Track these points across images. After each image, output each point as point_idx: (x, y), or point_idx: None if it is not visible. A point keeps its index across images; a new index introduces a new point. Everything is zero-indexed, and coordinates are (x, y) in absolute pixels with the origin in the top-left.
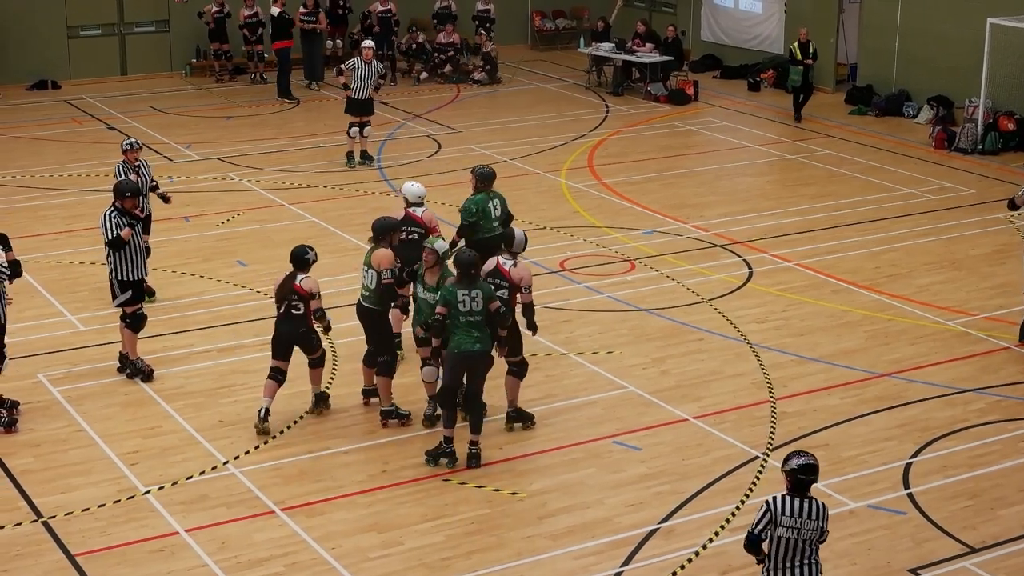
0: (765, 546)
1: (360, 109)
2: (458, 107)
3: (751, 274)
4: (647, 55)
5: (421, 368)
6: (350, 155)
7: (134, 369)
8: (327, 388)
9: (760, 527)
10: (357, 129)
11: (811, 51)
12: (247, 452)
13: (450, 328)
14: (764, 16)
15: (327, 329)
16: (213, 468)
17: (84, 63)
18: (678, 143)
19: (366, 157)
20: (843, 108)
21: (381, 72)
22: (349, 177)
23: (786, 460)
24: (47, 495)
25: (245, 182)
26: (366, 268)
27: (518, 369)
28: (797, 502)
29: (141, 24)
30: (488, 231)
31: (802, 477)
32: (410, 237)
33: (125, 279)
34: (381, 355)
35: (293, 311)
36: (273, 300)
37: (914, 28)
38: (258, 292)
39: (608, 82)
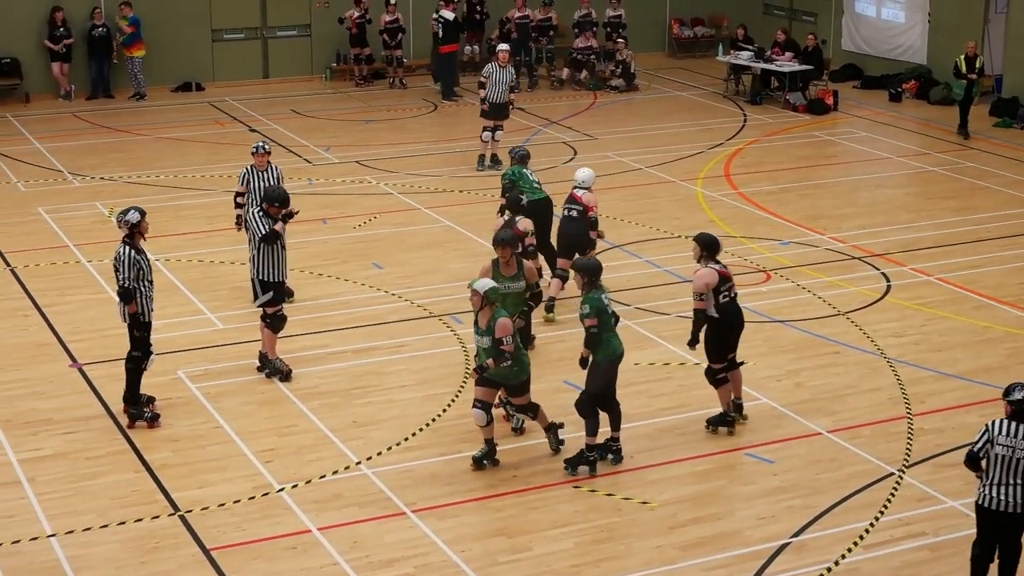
0: (984, 464)
1: (495, 113)
2: (594, 114)
3: (889, 287)
4: (786, 64)
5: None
6: (481, 158)
7: (272, 369)
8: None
9: (979, 447)
10: (490, 133)
11: (977, 66)
12: (379, 453)
13: (602, 337)
14: (907, 26)
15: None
16: (346, 468)
17: (227, 66)
18: (816, 153)
19: (496, 161)
20: (987, 120)
21: (513, 78)
22: (484, 182)
23: (1008, 391)
24: (184, 490)
25: (382, 185)
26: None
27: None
28: (1014, 425)
29: (283, 28)
30: (532, 193)
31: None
32: (569, 214)
33: (267, 279)
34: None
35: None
36: (406, 301)
37: None
38: (393, 295)
39: (746, 91)
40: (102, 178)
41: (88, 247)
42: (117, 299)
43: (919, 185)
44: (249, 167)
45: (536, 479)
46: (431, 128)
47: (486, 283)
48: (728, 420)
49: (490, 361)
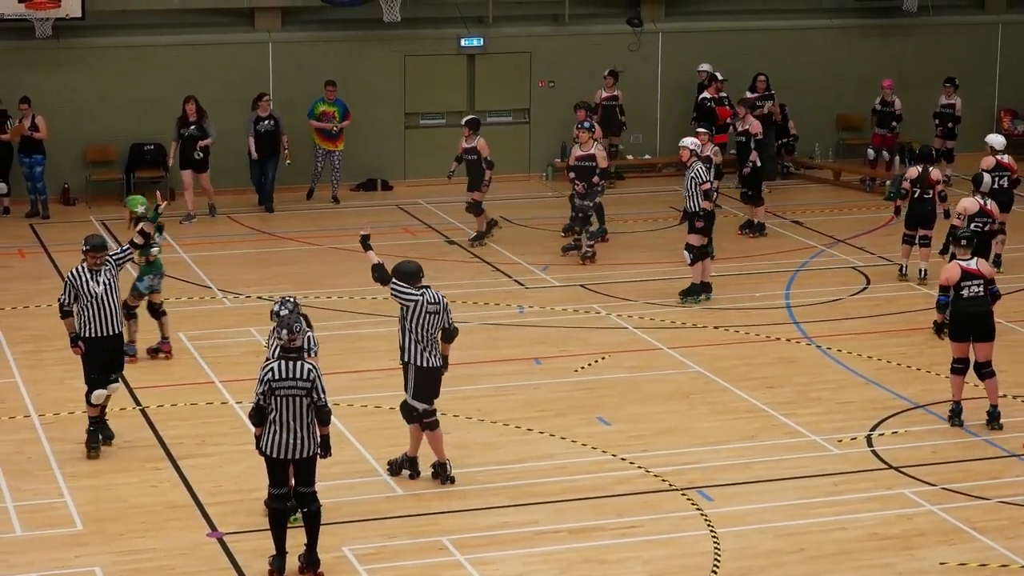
0: None
1: None
2: (895, 231)
3: None
4: None
5: None
6: None
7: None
8: None
9: None
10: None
11: None
12: None
13: None
14: None
15: None
16: None
17: (422, 160)
18: None
19: None
20: None
21: None
22: (747, 317)
23: None
24: None
25: (614, 317)
26: None
27: None
28: None
29: (496, 113)
30: None
31: None
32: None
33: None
34: None
35: None
36: (639, 469)
37: None
38: (623, 460)
39: None
40: (259, 297)
41: (237, 384)
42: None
43: None
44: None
45: None
46: (678, 244)
47: None
48: None
49: None
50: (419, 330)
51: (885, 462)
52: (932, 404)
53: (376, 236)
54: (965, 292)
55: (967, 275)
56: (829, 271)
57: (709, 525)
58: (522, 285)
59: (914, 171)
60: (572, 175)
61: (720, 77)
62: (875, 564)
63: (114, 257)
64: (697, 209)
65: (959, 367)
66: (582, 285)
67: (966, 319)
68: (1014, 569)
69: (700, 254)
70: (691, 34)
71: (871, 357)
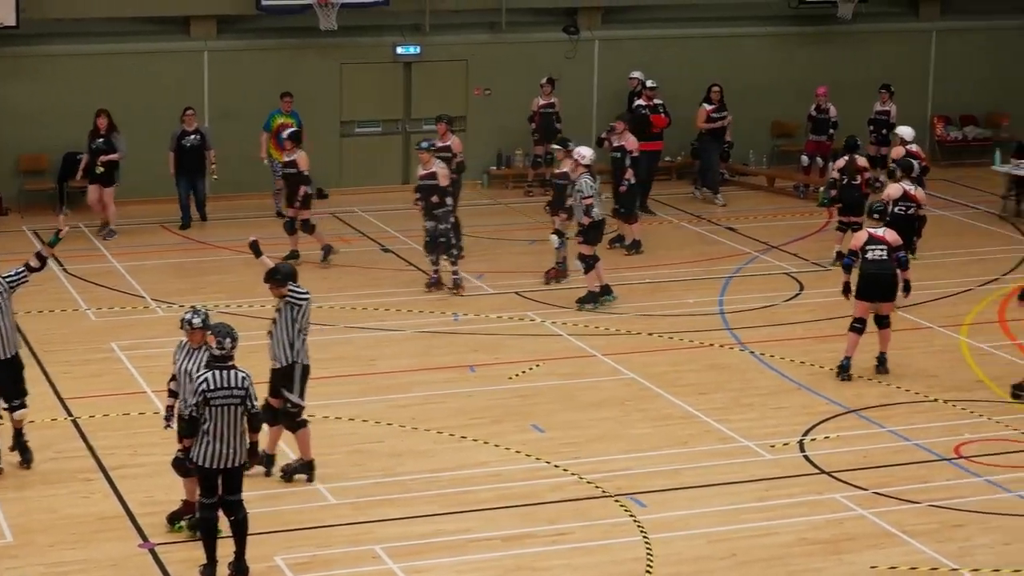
0: None
1: None
2: (828, 237)
3: None
4: None
5: None
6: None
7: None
8: None
9: None
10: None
11: None
12: None
13: None
14: None
15: None
16: None
17: (358, 168)
18: None
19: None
20: None
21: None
22: (681, 323)
23: None
24: None
25: (548, 324)
26: None
27: None
28: None
29: (432, 121)
30: None
31: None
32: None
33: None
34: None
35: None
36: (573, 476)
37: None
38: (556, 467)
39: None
40: (193, 307)
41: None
42: None
43: None
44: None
45: None
46: (618, 251)
47: None
48: None
49: None
50: (305, 328)
51: (817, 467)
52: (864, 409)
53: (307, 243)
54: (869, 255)
55: (872, 240)
56: (762, 277)
57: (641, 531)
58: (457, 294)
59: (841, 161)
60: (416, 196)
61: (650, 84)
62: (805, 569)
63: (7, 280)
64: (583, 222)
65: (858, 326)
66: (517, 292)
67: (871, 280)
68: (944, 572)
69: (592, 262)
70: (627, 42)
71: (804, 362)
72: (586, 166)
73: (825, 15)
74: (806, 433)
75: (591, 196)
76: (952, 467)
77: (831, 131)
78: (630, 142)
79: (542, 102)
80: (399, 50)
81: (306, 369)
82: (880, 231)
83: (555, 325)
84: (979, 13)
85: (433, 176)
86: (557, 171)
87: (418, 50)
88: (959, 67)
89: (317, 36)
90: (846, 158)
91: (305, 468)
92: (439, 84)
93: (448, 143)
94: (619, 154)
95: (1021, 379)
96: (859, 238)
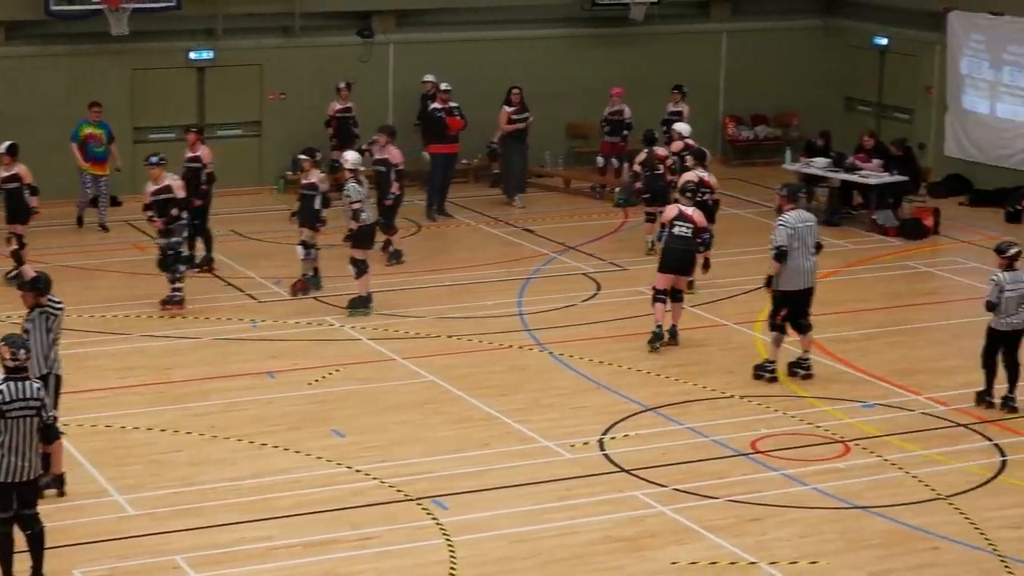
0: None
1: None
2: (624, 237)
3: (1005, 463)
4: (873, 174)
5: None
6: None
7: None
8: None
9: (994, 297)
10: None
11: None
12: None
13: None
14: None
15: None
16: None
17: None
18: (911, 289)
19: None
20: None
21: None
22: (481, 325)
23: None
24: None
25: (347, 328)
26: None
27: None
28: (1011, 274)
29: (225, 127)
30: None
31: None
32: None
33: None
34: None
35: None
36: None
37: None
38: (358, 471)
39: (822, 208)
40: None
41: None
42: None
43: None
44: None
45: None
46: (416, 255)
47: None
48: None
49: None
50: (58, 338)
51: (617, 465)
52: (663, 407)
53: (100, 252)
54: (676, 230)
55: (680, 216)
56: (560, 278)
57: (444, 534)
58: (254, 299)
59: (642, 155)
60: (149, 214)
61: (444, 87)
62: (607, 567)
63: None
64: (352, 227)
65: (661, 297)
66: (315, 298)
67: (673, 254)
68: (742, 566)
69: (363, 267)
70: (422, 45)
71: (603, 362)
72: (351, 171)
73: (618, 17)
74: (606, 432)
75: (359, 200)
76: (749, 462)
77: (626, 132)
78: (394, 155)
79: (339, 106)
80: (192, 55)
81: (59, 380)
82: (689, 210)
83: (354, 330)
84: (769, 14)
85: (168, 190)
86: (304, 181)
87: (211, 55)
88: (749, 67)
89: (109, 41)
90: (646, 151)
91: (56, 483)
92: (233, 89)
93: (198, 153)
94: (383, 167)
95: (795, 358)
96: (669, 212)
